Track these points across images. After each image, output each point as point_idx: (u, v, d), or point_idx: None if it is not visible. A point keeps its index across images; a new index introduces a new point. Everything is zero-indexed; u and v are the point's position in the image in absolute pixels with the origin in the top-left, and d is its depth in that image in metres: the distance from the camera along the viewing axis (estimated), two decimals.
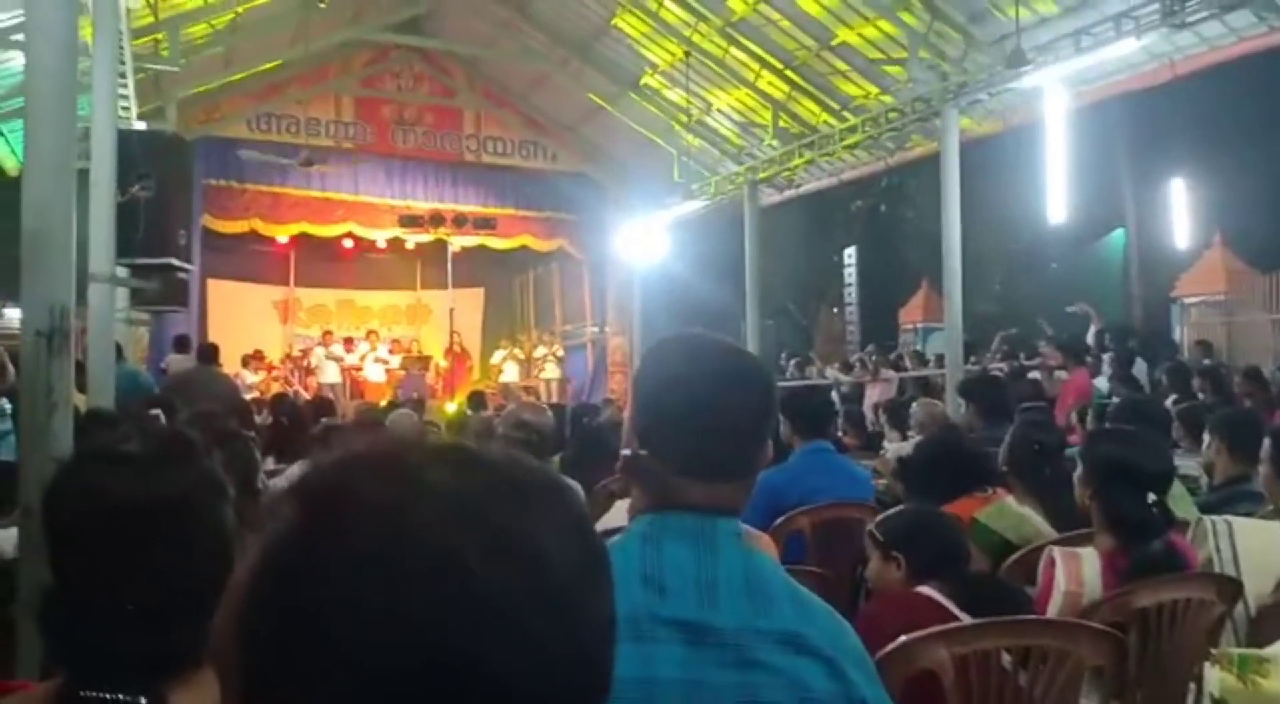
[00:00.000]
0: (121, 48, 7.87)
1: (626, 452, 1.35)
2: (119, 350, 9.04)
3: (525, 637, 0.53)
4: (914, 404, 6.57)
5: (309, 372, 16.48)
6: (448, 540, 0.53)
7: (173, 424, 4.91)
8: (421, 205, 15.70)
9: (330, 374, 16.05)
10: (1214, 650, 2.07)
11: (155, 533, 1.15)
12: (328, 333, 17.10)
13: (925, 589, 2.16)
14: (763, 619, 1.20)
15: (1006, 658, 2.01)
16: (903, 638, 1.89)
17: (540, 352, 18.05)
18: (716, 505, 1.27)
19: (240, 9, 11.82)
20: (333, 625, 0.51)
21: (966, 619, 2.06)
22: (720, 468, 1.28)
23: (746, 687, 1.17)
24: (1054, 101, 9.71)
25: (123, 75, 8.38)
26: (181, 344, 11.32)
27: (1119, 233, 18.51)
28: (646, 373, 1.38)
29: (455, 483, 0.56)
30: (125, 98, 8.99)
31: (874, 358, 13.07)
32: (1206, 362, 9.80)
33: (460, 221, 15.68)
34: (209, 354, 9.16)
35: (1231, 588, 2.43)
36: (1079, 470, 2.53)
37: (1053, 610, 2.29)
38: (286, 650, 0.52)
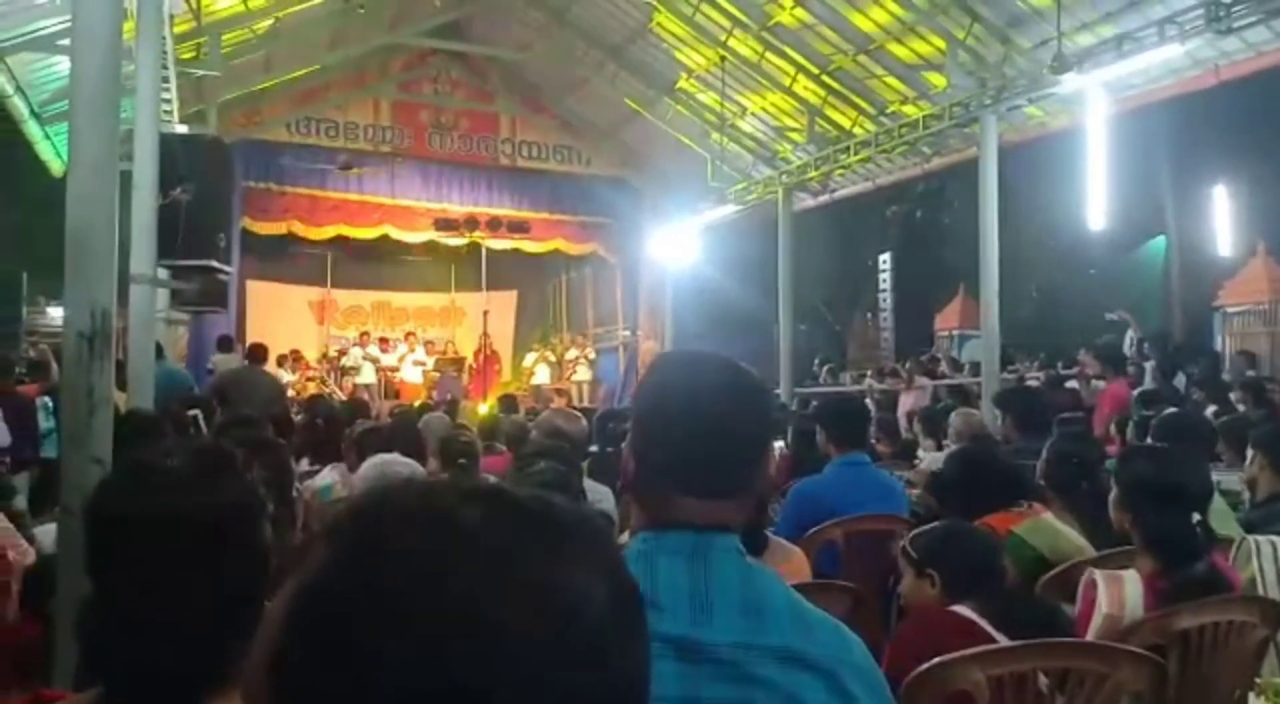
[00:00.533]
0: (164, 52, 7.99)
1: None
2: (160, 349, 9.24)
3: (557, 687, 0.52)
4: (951, 414, 6.49)
5: (345, 372, 16.64)
6: (480, 591, 0.53)
7: (210, 426, 4.98)
8: (457, 209, 15.81)
9: (366, 375, 16.20)
10: (1258, 680, 2.02)
11: (194, 548, 1.16)
12: (365, 334, 17.25)
13: (960, 608, 2.13)
14: (758, 635, 1.20)
15: (1043, 680, 1.97)
16: (937, 659, 1.86)
17: (572, 354, 18.08)
18: (714, 523, 1.26)
19: (280, 14, 11.96)
20: (362, 673, 0.51)
21: (1003, 639, 2.03)
22: (717, 485, 1.28)
23: (742, 702, 1.17)
24: (1095, 107, 9.58)
25: (165, 79, 8.51)
26: (225, 344, 11.56)
27: (1160, 240, 18.21)
28: (644, 391, 1.38)
29: (488, 528, 0.56)
30: (168, 101, 9.13)
31: (907, 366, 12.97)
32: (1250, 372, 9.61)
33: (495, 225, 15.77)
34: (258, 354, 9.39)
35: (1275, 611, 2.37)
36: (1114, 493, 2.48)
37: (1093, 633, 2.24)
38: (315, 693, 0.52)
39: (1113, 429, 7.18)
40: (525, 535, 0.56)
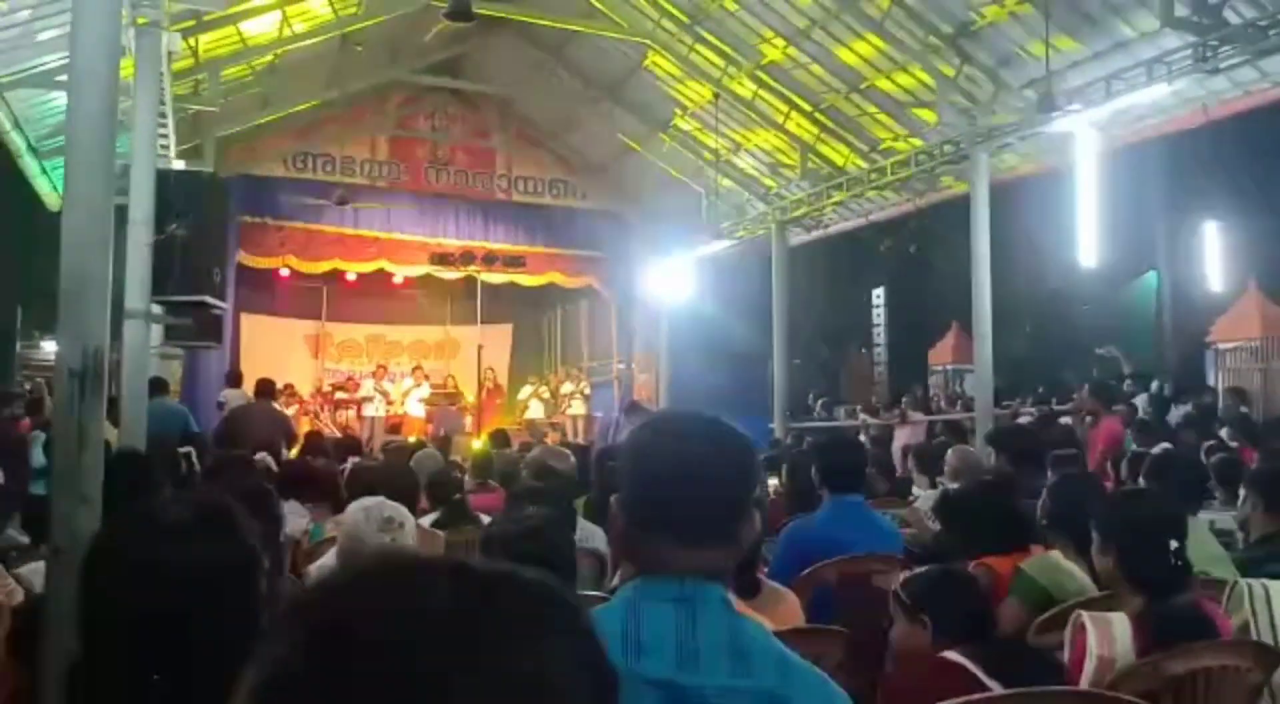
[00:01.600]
0: (162, 89, 8.04)
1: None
2: (164, 385, 9.30)
3: None
4: (949, 451, 6.48)
5: (339, 406, 16.60)
6: (448, 679, 0.52)
7: (205, 468, 4.95)
8: (452, 243, 15.87)
9: (378, 407, 16.20)
10: None
11: (191, 605, 1.15)
12: (382, 367, 17.23)
13: (953, 655, 2.12)
14: (744, 678, 1.21)
15: None
16: None
17: (567, 388, 18.06)
18: (701, 570, 1.29)
19: (279, 51, 12.07)
20: None
21: (996, 686, 2.01)
22: (703, 534, 1.31)
23: None
24: (1085, 145, 9.68)
25: (162, 115, 8.56)
26: (234, 379, 11.64)
27: (1151, 276, 18.31)
28: (631, 447, 1.43)
29: (457, 614, 0.55)
30: (164, 137, 9.18)
31: (904, 401, 12.98)
32: (1243, 409, 9.64)
33: (490, 259, 15.82)
34: (264, 390, 9.66)
35: (1269, 656, 2.36)
36: (1096, 541, 2.50)
37: (1087, 677, 2.23)
38: None
39: (1109, 467, 7.18)
40: (495, 620, 0.55)
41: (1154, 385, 10.42)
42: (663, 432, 1.40)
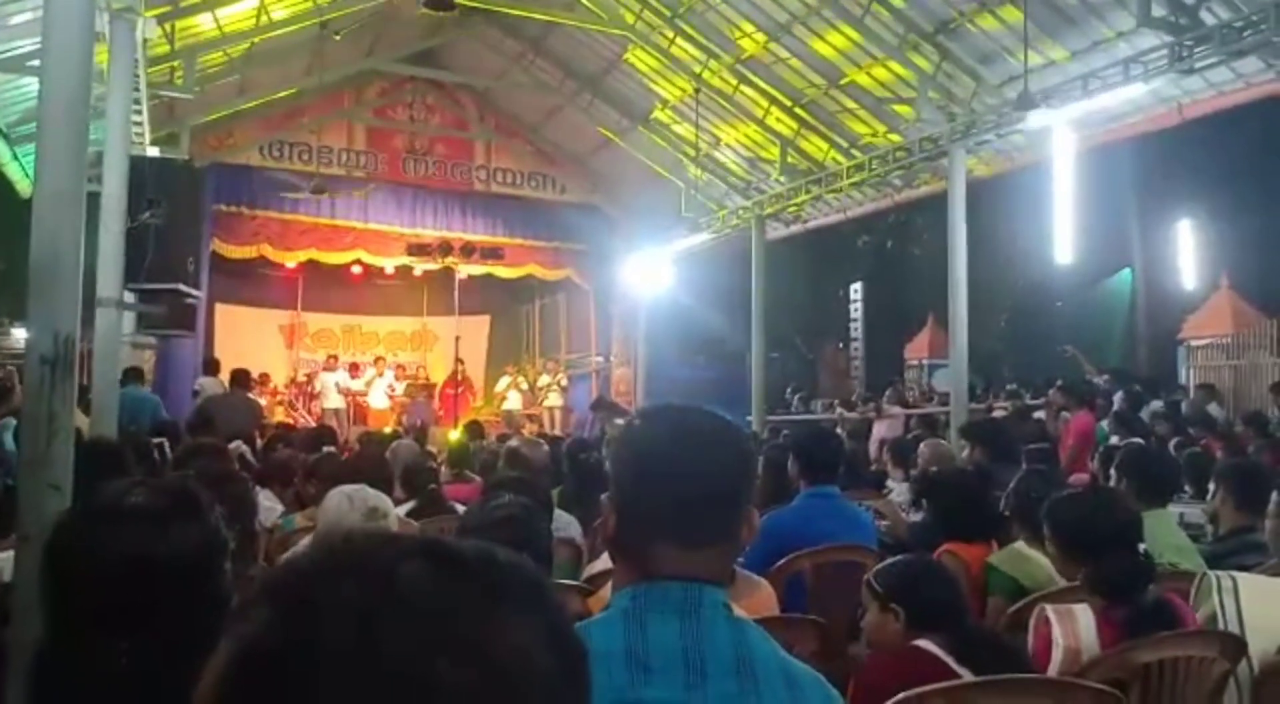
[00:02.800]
0: (137, 75, 7.95)
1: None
2: (140, 373, 9.24)
3: None
4: (921, 444, 6.53)
5: (313, 396, 16.49)
6: (417, 652, 0.52)
7: (175, 456, 4.92)
8: (430, 234, 15.79)
9: (333, 399, 16.05)
10: None
11: (158, 590, 1.15)
12: (332, 357, 17.12)
13: (924, 643, 2.14)
14: (752, 697, 1.18)
15: None
16: (901, 695, 1.86)
17: (544, 380, 18.04)
18: (699, 574, 1.25)
19: (256, 39, 11.95)
20: None
21: (966, 674, 2.03)
22: (701, 534, 1.26)
23: None
24: (1062, 143, 9.75)
25: (137, 102, 8.47)
26: (210, 366, 11.60)
27: (1125, 273, 18.54)
28: (623, 445, 1.37)
29: (426, 587, 0.55)
30: (139, 124, 9.08)
31: (885, 395, 13.03)
32: (1212, 404, 9.76)
33: (468, 250, 15.75)
34: (239, 379, 9.75)
35: (1235, 646, 2.40)
36: (1051, 547, 2.55)
37: (1054, 667, 2.26)
38: None
39: (1094, 463, 7.21)
40: (468, 594, 0.56)
41: (1130, 384, 10.52)
42: (657, 427, 1.35)
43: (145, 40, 7.99)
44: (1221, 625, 2.51)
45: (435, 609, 0.54)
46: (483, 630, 0.54)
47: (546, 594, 0.60)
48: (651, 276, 15.58)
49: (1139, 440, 6.96)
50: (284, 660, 0.52)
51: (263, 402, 14.92)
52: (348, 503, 2.64)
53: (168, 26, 9.92)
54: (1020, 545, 3.35)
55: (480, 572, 0.58)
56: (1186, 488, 5.20)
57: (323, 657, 0.52)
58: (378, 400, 16.52)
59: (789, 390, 17.24)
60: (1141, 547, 2.44)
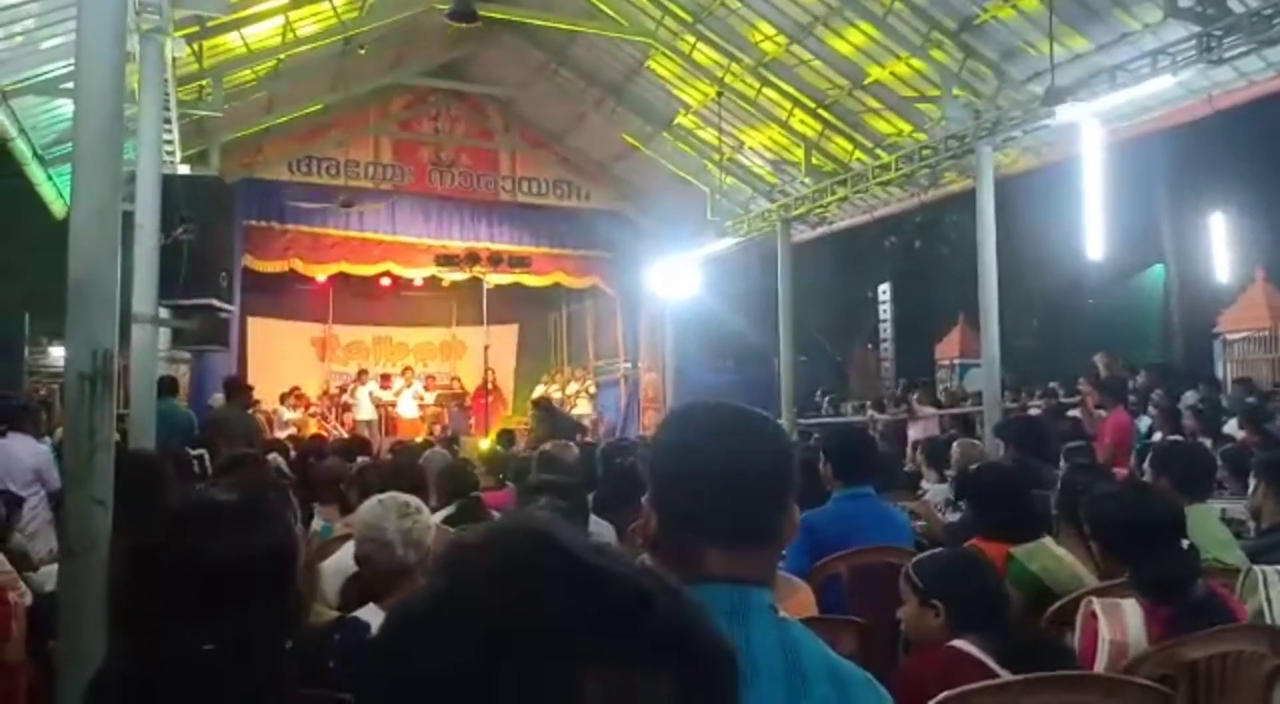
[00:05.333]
0: (167, 95, 8.06)
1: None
2: (175, 385, 9.36)
3: None
4: (953, 445, 6.48)
5: (346, 409, 16.63)
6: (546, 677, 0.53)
7: (217, 466, 4.99)
8: (457, 244, 15.90)
9: (367, 411, 16.20)
10: None
11: (245, 587, 1.18)
12: (363, 371, 17.27)
13: (963, 644, 2.12)
14: (803, 701, 1.17)
15: None
16: (944, 694, 1.84)
17: (573, 388, 18.08)
18: (745, 576, 1.23)
19: (283, 56, 12.09)
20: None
21: (1007, 675, 2.01)
22: (745, 534, 1.25)
23: None
24: (1090, 137, 9.64)
25: (167, 121, 8.58)
26: (228, 385, 11.76)
27: (1158, 268, 18.31)
28: (661, 444, 1.36)
29: (566, 604, 0.56)
30: (170, 143, 9.20)
31: (915, 396, 12.92)
32: (1250, 400, 9.60)
33: (495, 260, 15.85)
34: (233, 393, 9.89)
35: None
36: (1094, 545, 2.50)
37: (1100, 662, 2.23)
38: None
39: (1133, 460, 7.12)
40: (595, 616, 0.56)
41: (1169, 380, 10.36)
42: (697, 427, 1.32)
43: (174, 59, 8.10)
44: (1269, 620, 2.47)
45: (562, 631, 0.54)
46: (616, 665, 0.54)
47: (720, 661, 0.62)
48: (678, 282, 15.58)
49: (1176, 436, 6.87)
50: (437, 633, 0.55)
51: (294, 415, 15.13)
52: (380, 507, 2.71)
53: (196, 46, 10.06)
54: (1048, 541, 3.29)
55: (597, 587, 0.58)
56: (1226, 485, 5.12)
57: (463, 641, 0.54)
58: (407, 410, 16.64)
59: (818, 393, 17.15)
60: (1185, 542, 2.40)
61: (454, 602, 0.56)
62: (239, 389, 10.14)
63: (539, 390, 17.96)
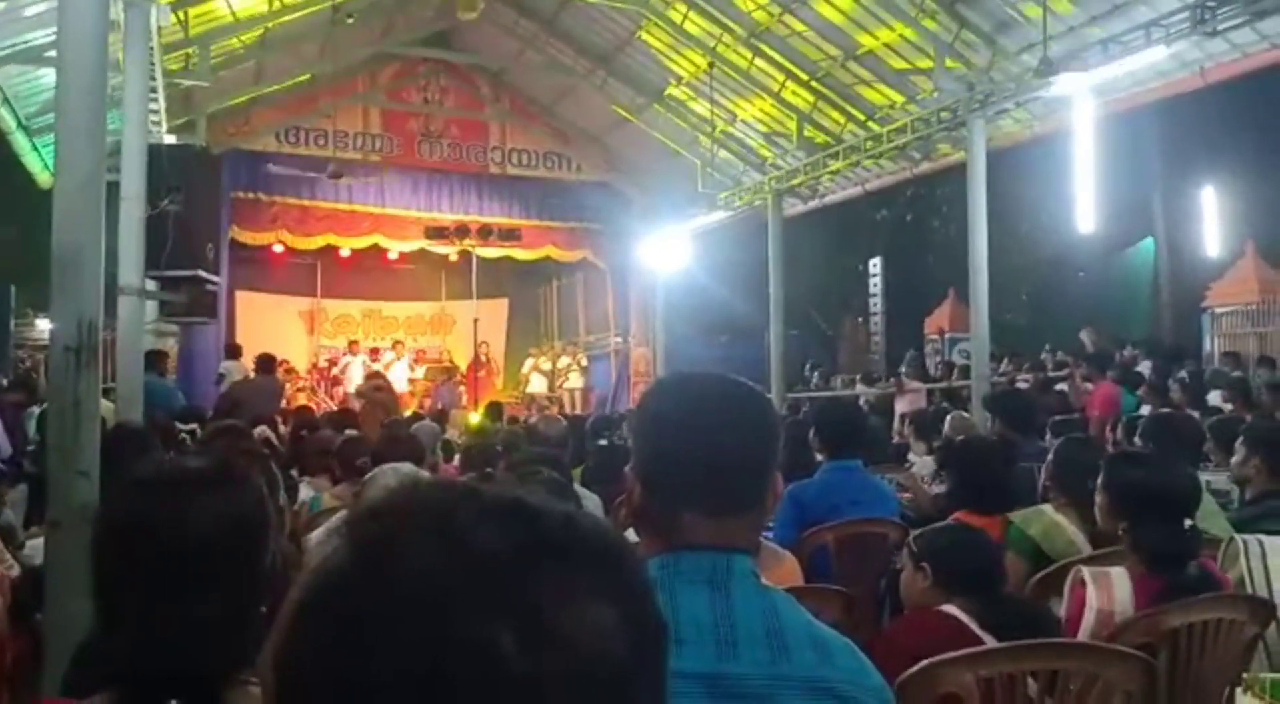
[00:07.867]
0: (152, 63, 7.97)
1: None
2: (163, 359, 9.43)
3: None
4: (947, 417, 6.50)
5: (335, 382, 16.59)
6: (485, 621, 0.51)
7: (200, 438, 4.97)
8: (447, 217, 15.80)
9: (357, 383, 16.17)
10: (1245, 676, 2.03)
11: (209, 559, 1.18)
12: (354, 342, 17.22)
13: (949, 608, 2.14)
14: (784, 665, 1.18)
15: (1033, 685, 1.97)
16: (926, 661, 1.86)
17: (564, 362, 18.08)
18: (728, 543, 1.24)
19: (270, 24, 11.94)
20: (359, 678, 0.51)
21: (990, 640, 2.03)
22: (727, 502, 1.26)
23: None
24: (1082, 110, 9.61)
25: (153, 90, 8.49)
26: (233, 351, 11.87)
27: (1148, 242, 18.33)
28: (644, 413, 1.36)
29: (503, 550, 0.53)
30: (155, 112, 9.10)
31: (904, 371, 12.93)
32: (1236, 373, 9.66)
33: (485, 233, 15.77)
34: (268, 366, 10.39)
35: (1264, 610, 2.38)
36: (1101, 498, 2.50)
37: (1085, 629, 2.25)
38: (315, 690, 0.52)
39: (1118, 432, 7.16)
40: (543, 561, 0.54)
41: (1158, 353, 10.41)
42: (680, 396, 1.33)
43: (160, 28, 8.01)
44: (1249, 590, 2.49)
45: (507, 578, 0.52)
46: (555, 605, 0.52)
47: (629, 564, 0.57)
48: (669, 255, 15.55)
49: (1165, 409, 6.91)
50: (353, 606, 0.52)
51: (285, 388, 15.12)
52: (392, 473, 2.76)
53: (181, 14, 9.94)
54: (1047, 508, 3.31)
55: (560, 539, 0.55)
56: (1212, 456, 5.14)
57: (390, 618, 0.51)
58: (397, 383, 16.60)
59: (808, 366, 17.19)
60: (1188, 522, 2.38)
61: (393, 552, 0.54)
62: (268, 359, 10.56)
63: (528, 364, 17.95)
